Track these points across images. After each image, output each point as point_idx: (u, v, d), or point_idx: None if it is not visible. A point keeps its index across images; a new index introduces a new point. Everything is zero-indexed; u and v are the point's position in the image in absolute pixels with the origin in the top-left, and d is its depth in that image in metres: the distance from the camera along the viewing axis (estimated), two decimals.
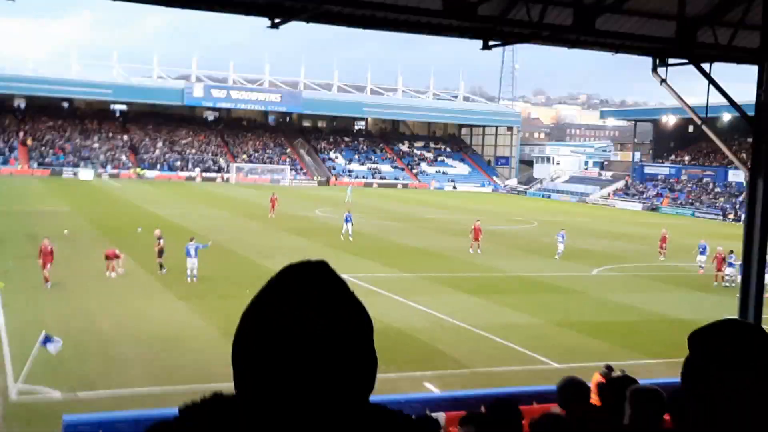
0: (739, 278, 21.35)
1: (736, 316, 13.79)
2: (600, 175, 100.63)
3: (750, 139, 13.81)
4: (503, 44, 12.90)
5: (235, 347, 1.39)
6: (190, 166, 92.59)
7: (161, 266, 28.00)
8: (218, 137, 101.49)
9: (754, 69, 13.39)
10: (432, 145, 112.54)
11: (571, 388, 5.44)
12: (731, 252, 31.68)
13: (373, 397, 1.44)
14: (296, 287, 1.38)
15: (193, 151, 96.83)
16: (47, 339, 14.64)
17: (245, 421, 1.34)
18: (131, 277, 27.47)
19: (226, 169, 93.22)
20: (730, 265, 31.57)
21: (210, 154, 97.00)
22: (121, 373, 16.66)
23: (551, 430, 5.04)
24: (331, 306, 1.36)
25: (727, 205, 74.93)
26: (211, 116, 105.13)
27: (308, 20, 11.23)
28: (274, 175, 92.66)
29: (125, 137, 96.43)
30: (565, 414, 5.36)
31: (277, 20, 11.06)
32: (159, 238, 28.44)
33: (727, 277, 31.62)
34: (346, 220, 41.43)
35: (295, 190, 79.82)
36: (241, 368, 1.38)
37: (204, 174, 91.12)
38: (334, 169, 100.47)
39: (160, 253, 28.20)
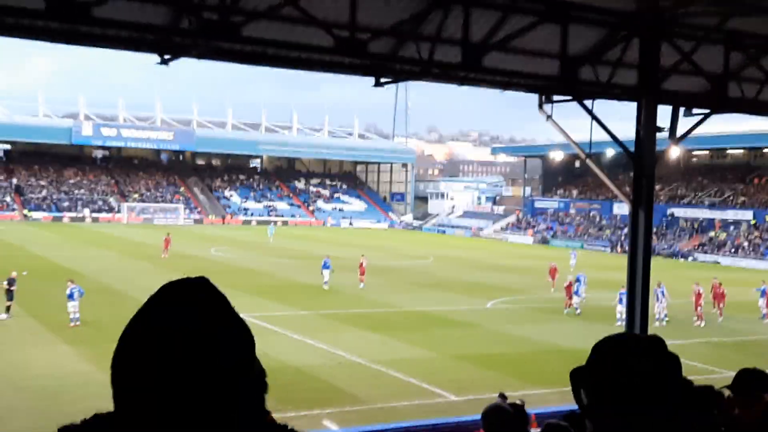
0: (619, 308, 23.91)
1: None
2: (492, 209, 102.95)
3: (632, 173, 14.39)
4: (394, 81, 13.10)
5: (114, 364, 1.36)
6: (79, 206, 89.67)
7: (8, 309, 27.16)
8: (108, 176, 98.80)
9: (634, 106, 14.03)
10: (328, 182, 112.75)
11: (495, 416, 5.37)
12: (578, 281, 33.71)
13: None
14: (177, 303, 1.36)
15: (82, 191, 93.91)
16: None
17: None
18: (12, 322, 26.26)
19: (116, 209, 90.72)
20: (576, 293, 33.22)
21: (100, 194, 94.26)
22: (3, 425, 15.81)
23: None
24: (212, 320, 1.35)
25: (614, 237, 77.77)
26: (100, 155, 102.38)
27: (198, 57, 11.12)
28: (168, 215, 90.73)
29: (9, 178, 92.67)
30: None
31: (166, 56, 10.91)
32: (9, 281, 27.54)
33: (575, 305, 33.08)
34: (325, 266, 38.06)
35: (189, 230, 78.29)
36: (120, 385, 1.35)
37: (94, 214, 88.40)
38: (229, 207, 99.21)
39: (10, 295, 27.33)
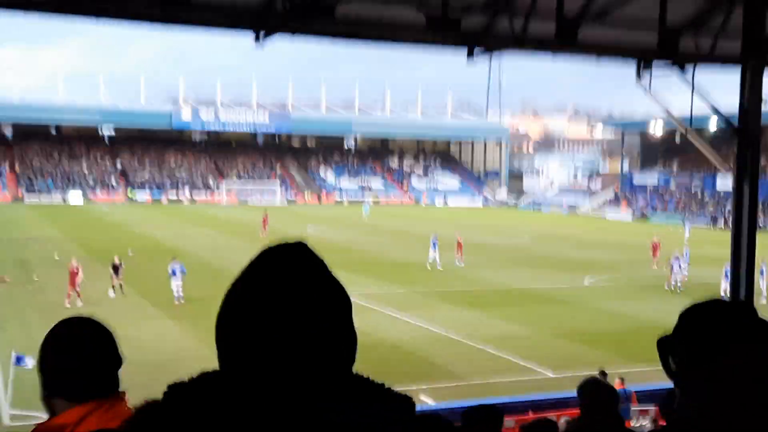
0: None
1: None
2: (589, 186, 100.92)
3: (736, 146, 13.84)
4: (487, 52, 12.93)
5: (219, 325, 1.44)
6: (179, 187, 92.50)
7: (120, 287, 28.00)
8: (207, 158, 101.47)
9: (738, 76, 13.47)
10: (422, 160, 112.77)
11: (591, 388, 5.29)
12: (677, 256, 32.95)
13: None
14: (277, 266, 1.44)
15: (183, 172, 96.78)
16: (19, 358, 14.43)
17: (233, 394, 1.38)
18: (120, 300, 27.35)
19: (216, 190, 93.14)
20: (679, 269, 32.63)
21: (200, 176, 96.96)
22: None
23: None
24: (310, 283, 1.42)
25: (717, 212, 75.17)
26: (199, 137, 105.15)
27: (293, 32, 11.25)
28: (265, 195, 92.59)
29: (114, 161, 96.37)
30: (583, 417, 5.25)
31: (261, 34, 11.09)
32: (116, 264, 28.27)
33: (677, 281, 32.35)
34: (434, 245, 37.48)
35: (285, 209, 79.76)
36: (225, 345, 1.43)
37: (194, 195, 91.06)
38: (324, 186, 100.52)
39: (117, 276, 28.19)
